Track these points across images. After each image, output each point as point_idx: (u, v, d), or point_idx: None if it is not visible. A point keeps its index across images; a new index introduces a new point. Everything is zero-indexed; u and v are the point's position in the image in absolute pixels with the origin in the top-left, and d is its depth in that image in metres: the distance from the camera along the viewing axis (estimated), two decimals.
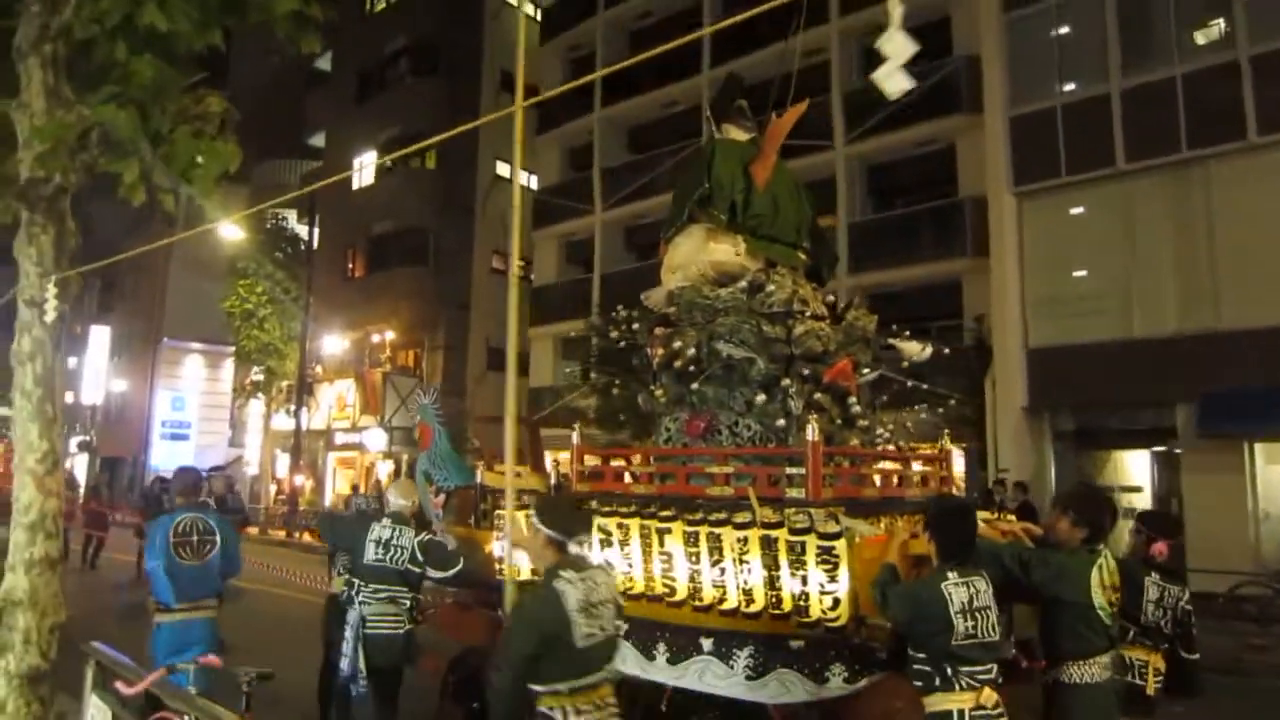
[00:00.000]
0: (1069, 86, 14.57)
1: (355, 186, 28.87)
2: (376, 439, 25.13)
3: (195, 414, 34.19)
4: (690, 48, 23.03)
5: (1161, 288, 13.57)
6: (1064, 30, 14.84)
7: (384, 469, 25.47)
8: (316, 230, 25.54)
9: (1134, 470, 15.13)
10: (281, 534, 23.97)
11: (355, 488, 24.22)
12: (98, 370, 36.66)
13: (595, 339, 6.52)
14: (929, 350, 6.02)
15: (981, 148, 16.98)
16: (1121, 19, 14.03)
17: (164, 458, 30.33)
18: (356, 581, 5.35)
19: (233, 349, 29.31)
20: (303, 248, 26.62)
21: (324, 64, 31.09)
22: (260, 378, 26.92)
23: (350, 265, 28.95)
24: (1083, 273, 14.28)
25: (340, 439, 27.56)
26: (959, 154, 18.07)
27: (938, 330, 19.29)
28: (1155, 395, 13.57)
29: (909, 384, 5.99)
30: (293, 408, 26.41)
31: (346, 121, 28.99)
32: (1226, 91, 12.97)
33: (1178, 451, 13.71)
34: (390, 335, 26.19)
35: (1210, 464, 12.93)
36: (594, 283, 24.21)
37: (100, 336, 36.90)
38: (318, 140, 30.69)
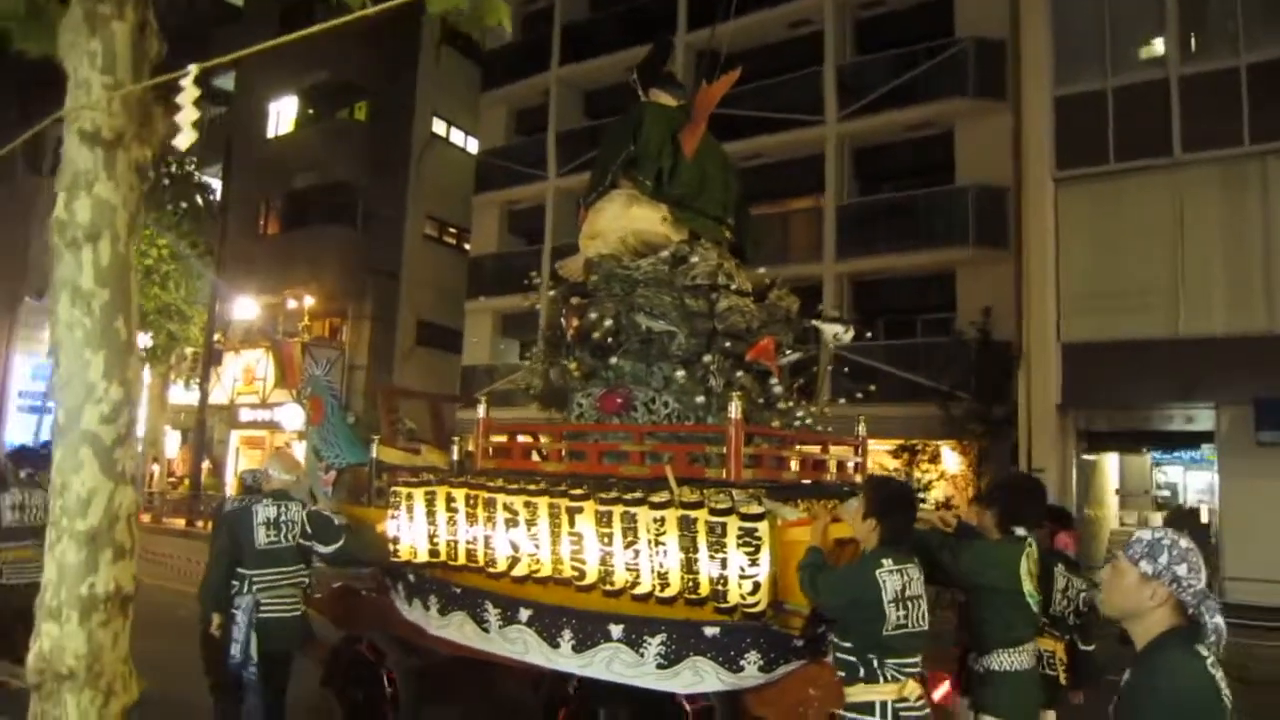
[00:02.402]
0: (1122, 69, 13.76)
1: (271, 134, 25.88)
2: (292, 416, 22.42)
3: None
4: (664, 7, 21.60)
5: (1210, 285, 12.91)
6: (1117, 6, 13.95)
7: (300, 449, 22.80)
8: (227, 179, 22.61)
9: (1169, 474, 14.60)
10: (180, 522, 20.98)
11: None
12: None
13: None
14: (850, 333, 5.88)
15: (986, 132, 16.41)
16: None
17: (22, 433, 26.34)
18: (247, 572, 5.00)
19: None
20: (212, 197, 23.52)
21: None
22: (151, 344, 23.49)
23: (263, 221, 25.89)
24: (1125, 266, 13.47)
25: (246, 415, 24.61)
26: (958, 139, 17.40)
27: (924, 323, 18.65)
28: (1198, 396, 12.97)
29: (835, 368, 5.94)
30: (193, 379, 23.29)
31: (262, 63, 25.74)
32: None
33: (1210, 457, 13.21)
34: (309, 301, 23.43)
35: (1254, 469, 12.37)
36: (544, 253, 22.34)
37: None
38: (225, 82, 27.38)
